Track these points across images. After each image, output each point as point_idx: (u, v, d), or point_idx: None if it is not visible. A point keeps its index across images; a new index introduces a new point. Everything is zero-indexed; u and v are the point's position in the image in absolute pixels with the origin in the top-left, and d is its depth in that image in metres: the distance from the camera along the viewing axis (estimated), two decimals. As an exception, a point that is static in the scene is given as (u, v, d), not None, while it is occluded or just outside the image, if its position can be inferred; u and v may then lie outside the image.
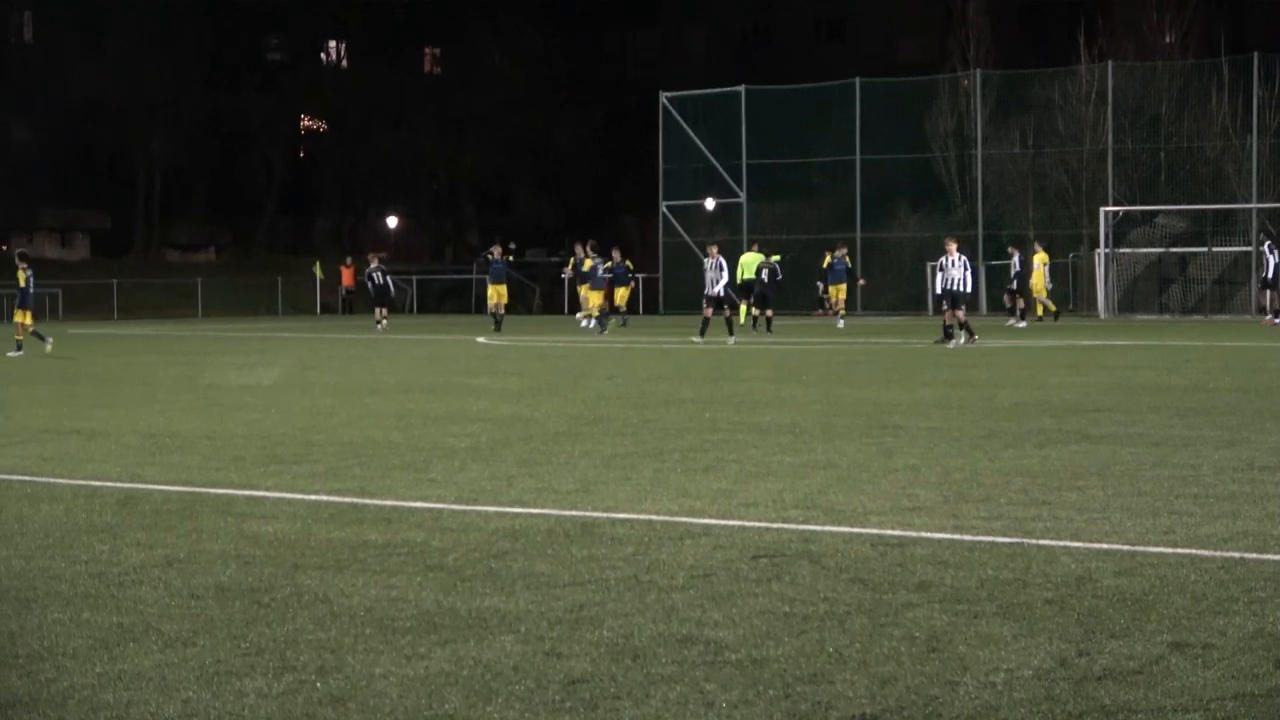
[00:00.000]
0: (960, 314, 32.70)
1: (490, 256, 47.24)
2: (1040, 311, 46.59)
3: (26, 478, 12.85)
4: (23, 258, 33.87)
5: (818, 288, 49.43)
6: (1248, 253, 51.63)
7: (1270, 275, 44.10)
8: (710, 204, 61.87)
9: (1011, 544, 9.26)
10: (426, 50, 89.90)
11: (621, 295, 47.66)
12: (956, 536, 9.55)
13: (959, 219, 56.90)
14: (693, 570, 8.62)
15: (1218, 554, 8.90)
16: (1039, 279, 46.58)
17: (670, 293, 60.81)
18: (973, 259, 46.94)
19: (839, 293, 45.64)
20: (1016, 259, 46.19)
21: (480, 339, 39.33)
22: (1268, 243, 45.14)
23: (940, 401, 18.90)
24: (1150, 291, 53.66)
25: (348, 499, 11.42)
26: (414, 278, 68.73)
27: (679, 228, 61.21)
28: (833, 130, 59.05)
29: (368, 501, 11.30)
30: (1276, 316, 42.98)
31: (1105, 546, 9.16)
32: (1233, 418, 16.33)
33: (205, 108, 79.46)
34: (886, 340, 36.34)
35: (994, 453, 13.64)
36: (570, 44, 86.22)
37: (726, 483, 11.99)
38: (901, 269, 58.45)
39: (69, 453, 14.61)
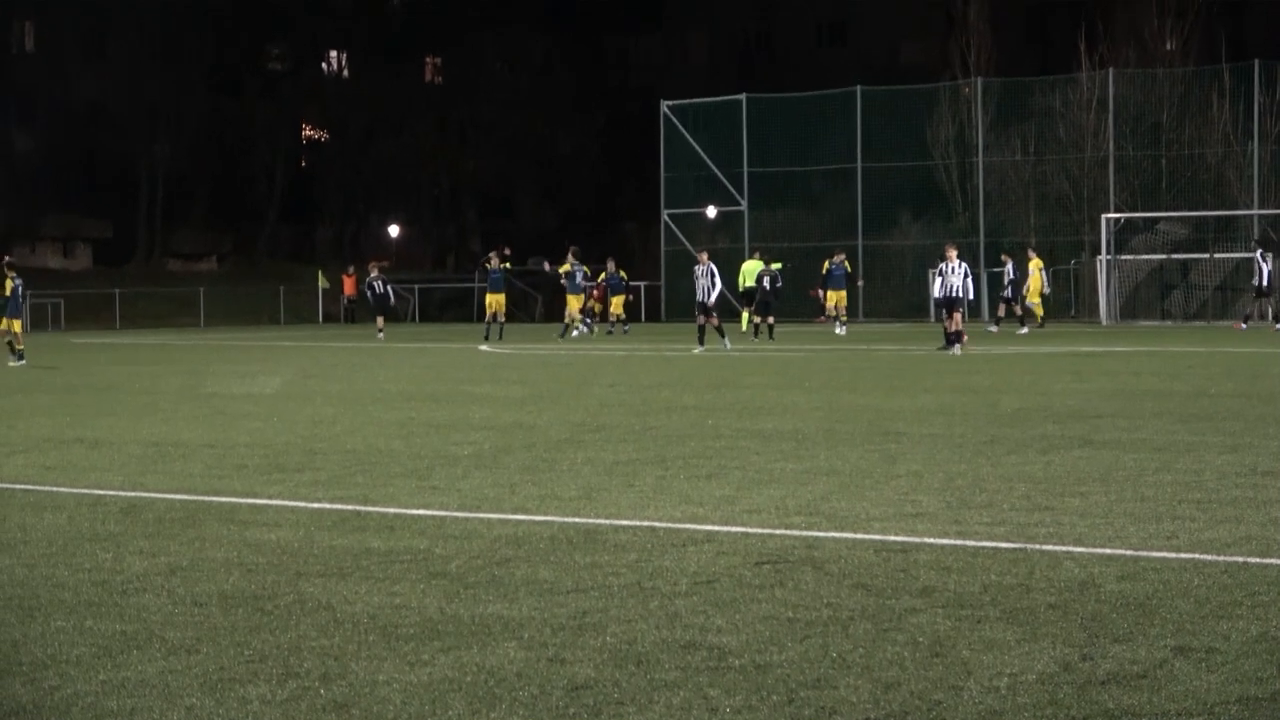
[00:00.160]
0: (958, 319, 32.70)
1: (488, 265, 47.24)
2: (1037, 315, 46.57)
3: (30, 486, 12.85)
4: (10, 267, 34.04)
5: (818, 294, 49.39)
6: (1249, 259, 51.59)
7: (1264, 283, 44.05)
8: (712, 212, 61.88)
9: (1014, 549, 9.26)
10: (427, 59, 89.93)
11: (617, 304, 47.76)
12: (959, 542, 9.55)
13: (960, 226, 56.92)
14: (696, 576, 8.62)
15: (1221, 559, 8.90)
16: (1035, 284, 46.54)
17: (672, 300, 60.81)
18: (974, 266, 46.93)
19: (839, 299, 45.57)
20: (1010, 267, 46.16)
21: (483, 347, 39.34)
22: (1259, 250, 45.15)
23: (943, 408, 18.90)
24: (1152, 298, 53.65)
25: (350, 507, 11.42)
26: (415, 286, 68.68)
27: (680, 236, 61.19)
28: (834, 138, 59.09)
29: (370, 509, 11.30)
30: (1245, 321, 42.95)
31: (1108, 551, 9.16)
32: (1235, 423, 16.33)
33: (207, 116, 79.52)
34: (888, 347, 36.35)
35: (997, 458, 13.64)
36: (572, 51, 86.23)
37: (729, 489, 11.99)
38: (903, 276, 58.46)
39: (72, 461, 14.61)
